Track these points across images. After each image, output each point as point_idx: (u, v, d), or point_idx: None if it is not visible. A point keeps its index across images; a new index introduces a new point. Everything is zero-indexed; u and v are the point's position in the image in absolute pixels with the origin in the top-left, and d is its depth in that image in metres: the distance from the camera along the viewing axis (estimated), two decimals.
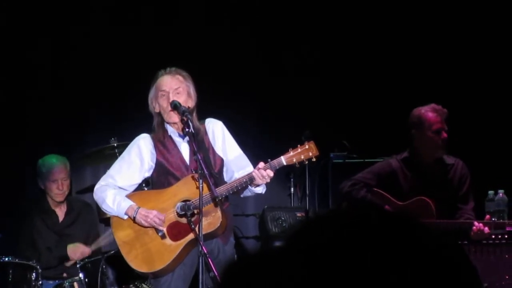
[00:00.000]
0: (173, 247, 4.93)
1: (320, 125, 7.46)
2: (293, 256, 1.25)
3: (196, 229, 4.77)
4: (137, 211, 4.92)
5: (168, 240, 4.94)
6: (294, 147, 4.96)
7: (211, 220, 4.88)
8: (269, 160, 4.88)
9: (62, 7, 7.63)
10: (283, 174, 7.25)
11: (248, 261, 1.31)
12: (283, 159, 4.91)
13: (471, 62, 7.60)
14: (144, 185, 5.61)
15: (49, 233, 6.37)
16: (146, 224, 4.92)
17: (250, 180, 4.84)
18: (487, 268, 5.53)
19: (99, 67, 7.56)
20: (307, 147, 4.98)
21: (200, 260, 4.65)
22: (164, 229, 4.94)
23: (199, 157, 4.69)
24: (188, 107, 4.95)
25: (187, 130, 4.80)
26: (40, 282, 5.83)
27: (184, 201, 4.91)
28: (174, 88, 4.95)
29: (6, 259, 5.83)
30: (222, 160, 5.04)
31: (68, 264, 6.17)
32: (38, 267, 5.83)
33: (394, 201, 5.73)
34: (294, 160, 4.94)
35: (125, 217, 4.97)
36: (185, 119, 4.80)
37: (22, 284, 5.80)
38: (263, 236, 7.21)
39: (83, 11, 7.68)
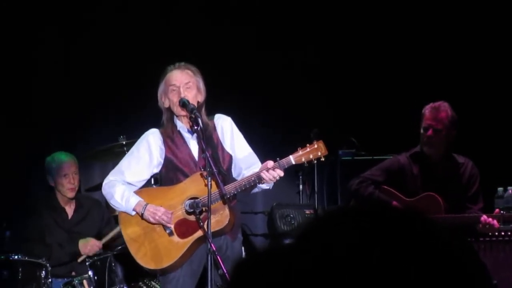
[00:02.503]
0: (181, 244, 4.93)
1: (328, 123, 7.46)
2: (302, 254, 1.25)
3: (205, 226, 4.77)
4: (145, 207, 4.92)
5: (175, 237, 4.95)
6: (303, 146, 4.95)
7: (219, 218, 4.88)
8: (277, 159, 4.87)
9: (68, 7, 7.64)
10: (291, 172, 7.24)
11: (257, 259, 1.31)
12: (292, 158, 4.90)
13: (481, 59, 7.58)
14: (152, 182, 5.61)
15: (59, 231, 6.38)
16: (153, 221, 4.93)
17: (258, 179, 4.83)
18: (496, 264, 5.52)
19: (106, 64, 7.56)
20: (316, 146, 4.97)
21: (209, 258, 4.65)
22: (172, 227, 4.95)
23: (208, 155, 4.69)
24: (198, 102, 4.96)
25: (195, 128, 4.80)
26: (50, 280, 5.84)
27: (192, 198, 4.91)
28: (184, 83, 4.96)
29: (16, 257, 5.84)
30: (230, 156, 5.05)
31: (79, 259, 6.17)
32: (48, 265, 5.84)
33: (403, 198, 5.73)
34: (303, 159, 4.93)
35: (133, 213, 4.98)
36: (194, 116, 4.81)
37: (32, 282, 5.81)
38: (271, 234, 7.20)
39: (89, 9, 7.68)
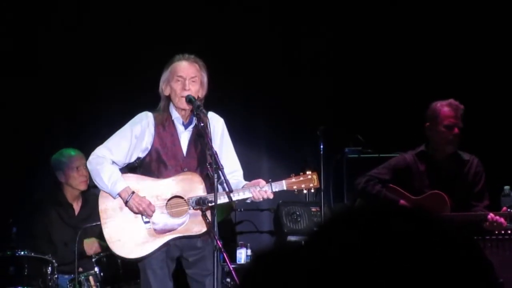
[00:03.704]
0: (156, 240, 4.92)
1: (334, 120, 7.45)
2: (311, 255, 1.25)
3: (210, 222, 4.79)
4: (131, 196, 4.88)
5: (151, 231, 4.93)
6: (297, 174, 5.03)
7: (199, 223, 4.91)
8: (270, 180, 4.94)
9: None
10: (298, 169, 7.24)
11: (266, 260, 1.31)
12: (284, 184, 4.98)
13: (487, 57, 7.57)
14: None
15: (65, 227, 6.38)
16: (136, 211, 4.90)
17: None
18: (503, 263, 5.51)
19: (111, 61, 7.55)
20: (309, 177, 5.06)
21: (214, 255, 4.66)
22: (151, 220, 4.94)
23: (214, 152, 4.70)
24: (198, 97, 4.97)
25: (201, 125, 4.82)
26: (56, 276, 5.85)
27: (176, 197, 4.92)
28: (191, 76, 4.97)
29: (22, 253, 5.86)
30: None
31: (86, 255, 6.18)
32: (54, 261, 5.85)
33: (409, 196, 5.72)
34: (295, 187, 5.02)
35: (116, 197, 4.93)
36: (199, 114, 4.82)
37: (38, 278, 5.82)
38: (277, 231, 7.20)
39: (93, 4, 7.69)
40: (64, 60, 7.58)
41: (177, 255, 5.00)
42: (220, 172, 4.69)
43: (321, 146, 6.57)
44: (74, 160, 6.39)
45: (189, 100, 4.90)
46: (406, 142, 6.17)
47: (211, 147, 4.74)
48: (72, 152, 6.47)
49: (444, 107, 5.74)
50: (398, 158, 5.97)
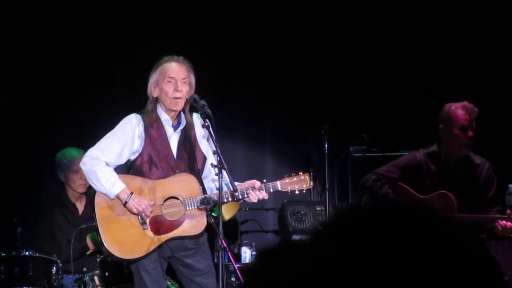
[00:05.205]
0: (156, 240, 4.92)
1: (339, 119, 7.45)
2: (317, 253, 1.25)
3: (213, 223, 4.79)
4: (131, 196, 4.87)
5: (149, 232, 4.93)
6: (290, 175, 5.09)
7: (195, 224, 4.92)
8: (264, 180, 4.98)
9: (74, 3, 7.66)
10: (302, 168, 7.25)
11: (270, 258, 1.31)
12: (279, 184, 5.03)
13: (493, 56, 7.56)
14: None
15: (69, 227, 6.39)
16: (135, 212, 4.89)
17: (241, 195, 4.91)
18: (508, 262, 5.50)
19: (115, 61, 7.56)
20: (302, 178, 5.10)
21: (220, 254, 4.67)
22: (148, 221, 4.93)
23: (219, 151, 4.71)
24: (186, 98, 5.00)
25: (206, 124, 4.82)
26: (61, 276, 5.85)
27: (172, 197, 4.92)
28: (181, 78, 4.98)
29: (27, 253, 5.86)
30: (204, 158, 5.06)
31: (88, 252, 6.19)
32: (59, 261, 5.86)
33: (417, 195, 5.71)
34: (288, 188, 5.07)
35: (114, 198, 4.90)
36: (205, 113, 4.83)
37: (43, 278, 5.82)
38: (282, 230, 7.21)
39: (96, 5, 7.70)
40: (66, 60, 7.59)
41: (168, 255, 5.01)
42: (225, 171, 4.69)
43: (326, 145, 6.57)
44: (75, 163, 6.35)
45: (194, 99, 4.92)
46: (410, 141, 6.16)
47: (216, 146, 4.74)
48: (75, 153, 6.43)
49: (459, 110, 5.70)
50: (408, 156, 5.92)
